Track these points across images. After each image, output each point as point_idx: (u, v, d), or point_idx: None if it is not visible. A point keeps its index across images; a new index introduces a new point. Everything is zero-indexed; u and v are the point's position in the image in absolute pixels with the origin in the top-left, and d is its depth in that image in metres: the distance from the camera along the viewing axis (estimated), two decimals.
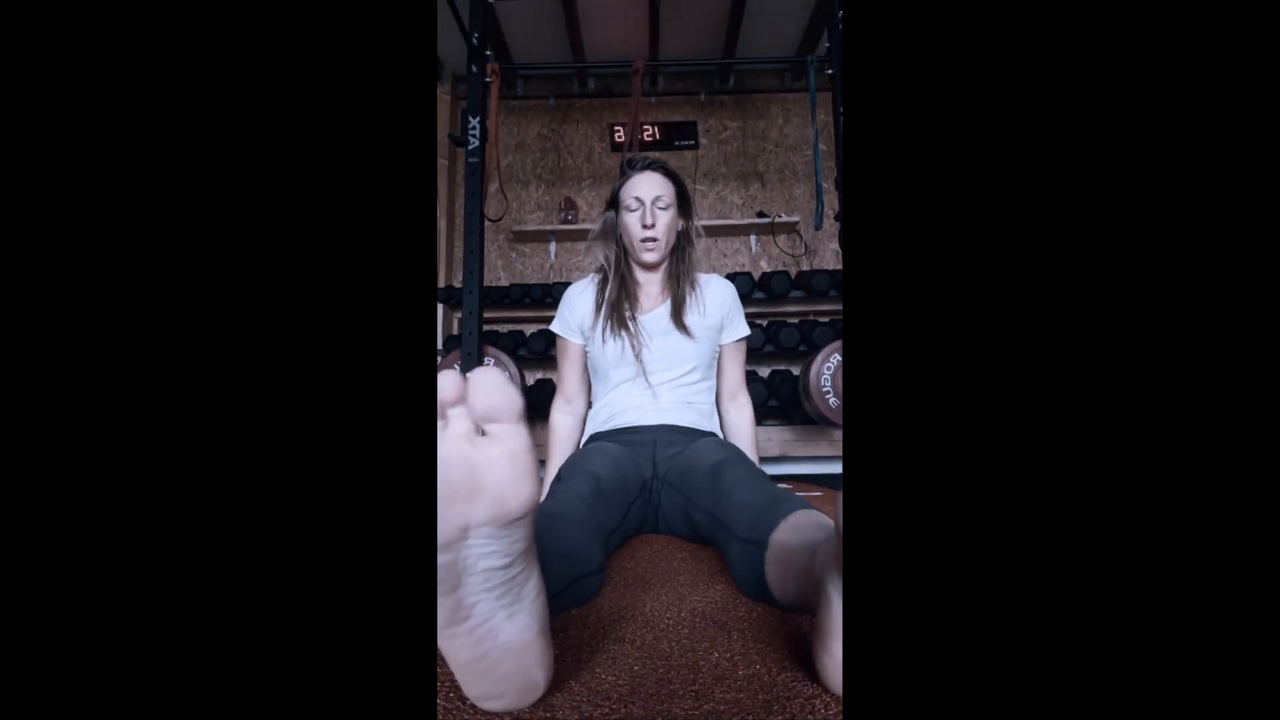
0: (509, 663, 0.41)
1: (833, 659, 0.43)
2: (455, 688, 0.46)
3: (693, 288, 1.23)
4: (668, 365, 1.18)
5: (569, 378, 1.28)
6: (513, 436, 0.39)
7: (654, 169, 1.21)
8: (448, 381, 0.38)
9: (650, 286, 1.25)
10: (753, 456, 1.20)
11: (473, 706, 0.43)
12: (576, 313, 1.25)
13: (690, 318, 1.19)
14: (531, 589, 0.43)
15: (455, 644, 0.40)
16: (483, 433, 0.39)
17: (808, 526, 0.63)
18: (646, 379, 1.18)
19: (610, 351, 1.18)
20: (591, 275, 1.30)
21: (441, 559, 0.38)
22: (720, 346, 1.25)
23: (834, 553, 0.43)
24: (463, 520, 0.38)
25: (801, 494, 1.91)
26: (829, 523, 0.62)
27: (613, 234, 1.24)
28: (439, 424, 0.38)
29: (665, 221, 1.19)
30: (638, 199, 1.18)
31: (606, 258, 1.24)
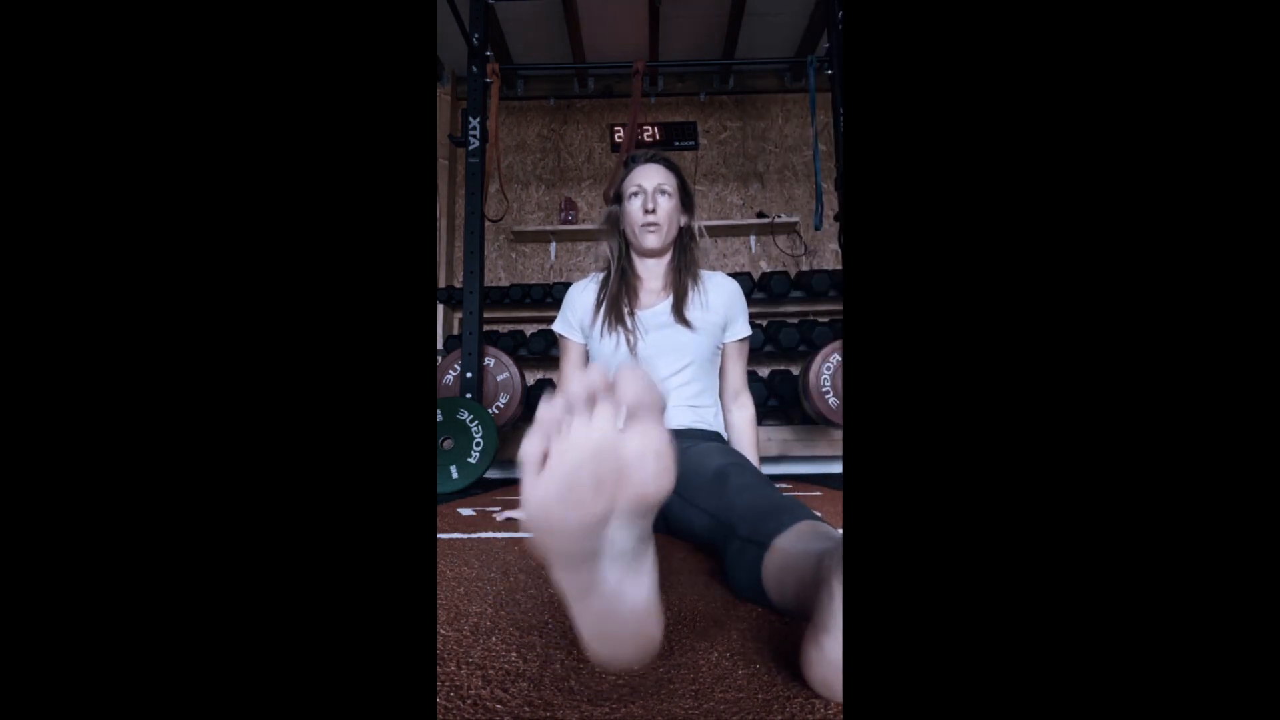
0: (634, 624, 0.44)
1: (823, 654, 0.43)
2: (455, 687, 0.46)
3: (695, 282, 1.23)
4: (665, 360, 1.17)
5: (570, 378, 1.28)
6: (656, 429, 0.41)
7: (655, 160, 1.23)
8: (597, 374, 0.40)
9: (652, 281, 1.25)
10: (753, 458, 1.20)
11: (472, 706, 0.43)
12: (577, 310, 1.26)
13: (692, 312, 1.19)
14: (649, 556, 0.46)
15: (589, 613, 0.44)
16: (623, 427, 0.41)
17: (814, 534, 0.63)
18: None
19: (607, 346, 1.18)
20: (593, 274, 1.31)
21: (583, 541, 0.41)
22: (723, 345, 1.25)
23: (840, 558, 0.44)
24: (608, 508, 0.40)
25: (801, 494, 1.91)
26: (837, 533, 0.62)
27: (616, 227, 1.25)
28: (580, 417, 0.40)
29: (666, 208, 1.20)
30: (639, 186, 1.20)
31: (611, 248, 1.25)
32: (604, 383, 0.39)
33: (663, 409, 0.41)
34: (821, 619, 0.44)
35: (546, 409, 0.40)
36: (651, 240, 1.21)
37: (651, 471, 0.40)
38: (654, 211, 1.19)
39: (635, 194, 1.20)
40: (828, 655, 0.43)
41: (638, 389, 0.40)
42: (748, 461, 0.98)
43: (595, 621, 0.44)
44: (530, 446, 0.39)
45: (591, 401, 0.40)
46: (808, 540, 0.61)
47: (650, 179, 1.20)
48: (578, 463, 0.39)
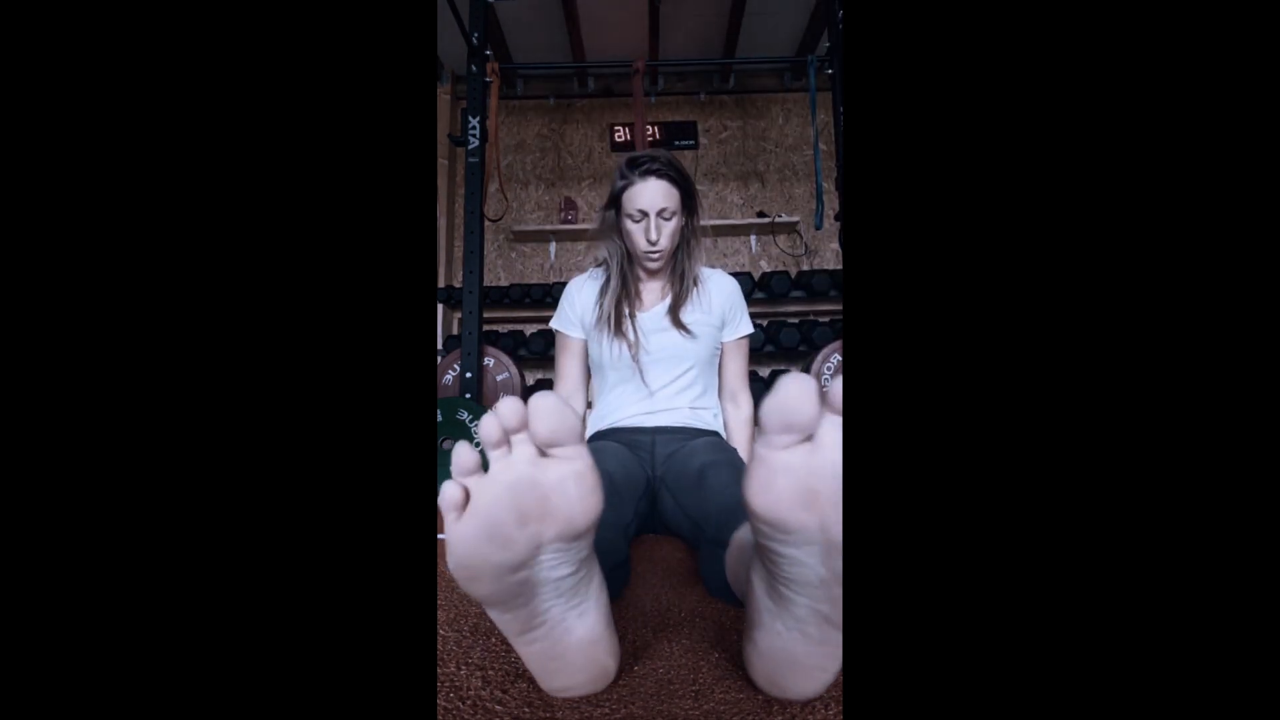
0: (583, 656, 0.44)
1: (756, 650, 0.43)
2: (455, 688, 0.46)
3: (695, 284, 1.21)
4: (665, 365, 1.16)
5: (568, 373, 1.25)
6: (576, 457, 0.40)
7: (658, 176, 1.12)
8: (510, 408, 0.39)
9: (653, 282, 1.23)
10: (745, 458, 1.19)
11: (472, 707, 0.43)
12: (577, 307, 1.24)
13: (690, 315, 1.17)
14: (595, 586, 0.45)
15: (533, 648, 0.43)
16: (543, 454, 0.41)
17: None
18: (644, 381, 1.16)
19: (609, 351, 1.17)
20: (592, 270, 1.28)
21: (515, 577, 0.40)
22: (722, 344, 1.23)
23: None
24: (535, 540, 0.40)
25: None
26: None
27: (613, 232, 1.20)
28: (499, 450, 0.40)
29: (669, 232, 1.15)
30: (641, 211, 1.13)
31: (610, 253, 1.21)
32: (517, 417, 0.39)
33: (580, 432, 0.41)
34: (748, 613, 0.44)
35: (461, 451, 0.39)
36: (654, 267, 1.18)
37: (575, 496, 0.40)
38: (657, 242, 1.13)
39: (638, 220, 1.13)
40: (760, 649, 0.42)
41: (551, 418, 0.39)
42: (732, 458, 0.97)
43: (541, 657, 0.43)
44: (449, 491, 0.39)
45: (506, 437, 0.40)
46: None
47: (653, 201, 1.12)
48: (497, 499, 0.39)
